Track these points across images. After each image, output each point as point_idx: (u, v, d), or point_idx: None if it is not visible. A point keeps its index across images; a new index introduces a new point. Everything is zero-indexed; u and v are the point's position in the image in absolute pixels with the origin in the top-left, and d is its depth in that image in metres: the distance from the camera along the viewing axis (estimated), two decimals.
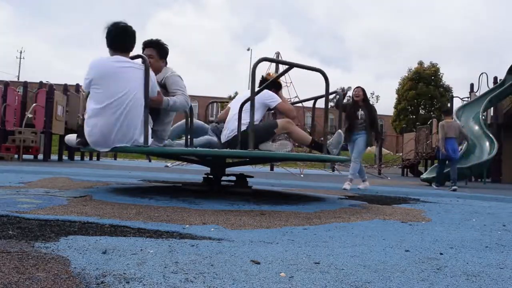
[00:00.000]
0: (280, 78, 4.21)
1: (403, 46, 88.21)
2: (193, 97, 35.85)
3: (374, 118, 5.80)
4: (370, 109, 5.83)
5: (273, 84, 3.83)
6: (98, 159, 17.34)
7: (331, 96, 3.93)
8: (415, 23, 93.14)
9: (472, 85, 13.73)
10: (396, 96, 37.50)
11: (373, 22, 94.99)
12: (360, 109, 5.77)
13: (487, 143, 9.62)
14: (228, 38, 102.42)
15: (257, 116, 3.56)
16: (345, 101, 4.09)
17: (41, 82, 13.08)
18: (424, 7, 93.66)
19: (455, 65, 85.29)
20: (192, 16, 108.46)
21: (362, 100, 5.85)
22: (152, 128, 3.09)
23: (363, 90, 5.94)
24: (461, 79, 66.25)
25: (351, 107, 5.93)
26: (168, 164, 12.25)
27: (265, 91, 3.72)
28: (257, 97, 3.64)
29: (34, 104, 10.86)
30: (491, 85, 12.05)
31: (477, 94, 12.26)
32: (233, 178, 3.69)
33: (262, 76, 4.27)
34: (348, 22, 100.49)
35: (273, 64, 16.14)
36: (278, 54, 17.61)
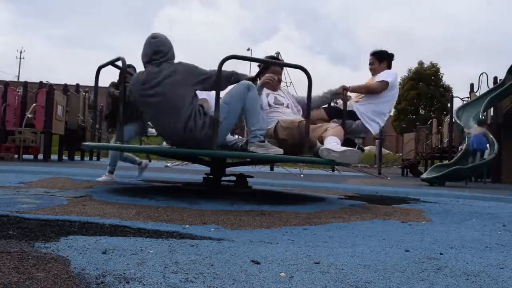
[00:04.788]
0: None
1: (414, 45, 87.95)
2: None
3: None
4: None
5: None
6: (98, 159, 17.33)
7: None
8: (422, 22, 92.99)
9: (472, 85, 13.72)
10: None
11: (383, 20, 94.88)
12: None
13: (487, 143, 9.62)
14: (237, 35, 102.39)
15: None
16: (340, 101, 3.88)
17: (41, 82, 13.08)
18: (431, 6, 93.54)
19: (463, 63, 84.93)
20: (199, 12, 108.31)
21: None
22: None
23: None
24: (461, 79, 66.12)
25: None
26: (168, 164, 12.25)
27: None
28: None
29: (34, 104, 10.86)
30: (491, 85, 12.03)
31: (477, 94, 12.24)
32: (233, 178, 3.69)
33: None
34: (358, 20, 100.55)
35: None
36: (278, 54, 17.60)
